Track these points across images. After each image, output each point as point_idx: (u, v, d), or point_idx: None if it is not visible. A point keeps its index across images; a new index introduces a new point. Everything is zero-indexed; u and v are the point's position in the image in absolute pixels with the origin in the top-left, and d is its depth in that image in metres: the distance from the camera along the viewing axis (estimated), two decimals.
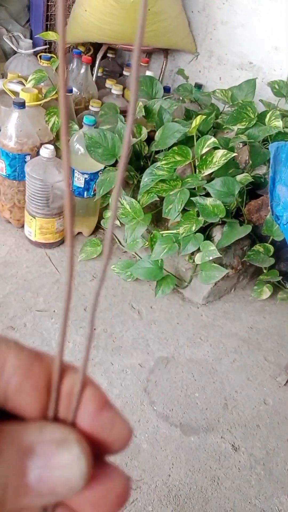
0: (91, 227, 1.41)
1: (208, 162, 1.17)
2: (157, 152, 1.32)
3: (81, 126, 1.39)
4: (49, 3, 1.74)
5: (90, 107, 1.44)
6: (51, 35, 1.33)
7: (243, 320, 1.25)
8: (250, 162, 1.31)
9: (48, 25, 1.78)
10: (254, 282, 1.35)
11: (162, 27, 1.58)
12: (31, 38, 1.77)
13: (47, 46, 1.72)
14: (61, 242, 1.34)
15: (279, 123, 1.21)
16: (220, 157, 1.16)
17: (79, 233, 1.40)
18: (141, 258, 1.32)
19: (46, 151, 1.15)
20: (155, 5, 1.51)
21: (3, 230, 1.34)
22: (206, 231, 1.19)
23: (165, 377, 1.04)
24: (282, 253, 1.33)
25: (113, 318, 1.15)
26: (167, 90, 1.78)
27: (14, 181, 1.26)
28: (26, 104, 1.21)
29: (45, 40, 1.78)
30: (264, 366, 1.13)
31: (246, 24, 1.59)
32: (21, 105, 1.15)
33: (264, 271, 1.28)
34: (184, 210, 1.16)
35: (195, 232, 1.12)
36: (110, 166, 1.24)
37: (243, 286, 1.35)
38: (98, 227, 1.43)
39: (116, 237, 1.40)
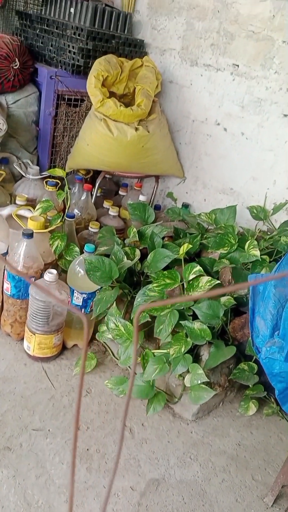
0: None
1: (195, 286, 1.30)
2: None
3: (80, 246, 1.54)
4: (55, 134, 2.00)
5: (89, 228, 1.60)
6: (57, 172, 1.52)
7: (231, 436, 1.29)
8: (233, 282, 1.44)
9: (53, 151, 2.02)
10: (241, 395, 1.42)
11: (154, 159, 1.81)
12: (38, 162, 1.99)
13: None
14: (57, 355, 1.42)
15: (257, 252, 1.36)
16: (205, 282, 1.29)
17: (75, 345, 1.48)
18: None
19: (50, 275, 1.28)
20: (148, 142, 1.74)
21: (3, 344, 1.42)
22: (194, 350, 1.28)
23: (156, 501, 1.07)
24: None
25: (106, 437, 1.19)
26: (157, 208, 1.99)
27: (18, 300, 1.37)
28: (33, 231, 1.35)
29: (50, 165, 2.02)
30: (252, 486, 1.16)
31: (227, 157, 1.83)
32: (30, 235, 1.30)
33: (250, 386, 1.35)
34: (173, 331, 1.26)
35: (185, 353, 1.21)
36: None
37: (231, 400, 1.41)
38: (93, 339, 1.52)
39: (110, 349, 1.49)
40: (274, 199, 1.70)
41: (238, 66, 1.72)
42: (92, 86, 1.70)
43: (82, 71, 1.87)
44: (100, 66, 1.73)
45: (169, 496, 1.08)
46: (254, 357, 1.30)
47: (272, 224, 1.67)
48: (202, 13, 1.81)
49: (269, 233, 1.69)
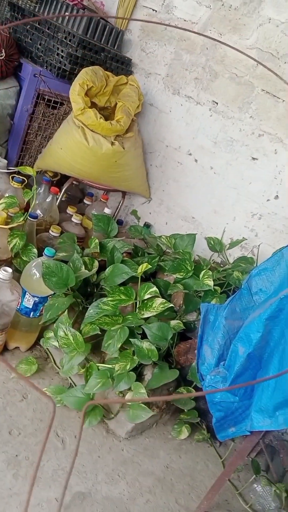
0: (29, 343, 1.46)
1: (148, 306, 1.33)
2: None
3: (38, 248, 1.52)
4: (29, 131, 1.97)
5: (50, 231, 1.58)
6: (28, 170, 1.50)
7: (160, 458, 1.31)
8: (184, 307, 1.49)
9: (24, 148, 1.99)
10: (175, 418, 1.45)
11: (125, 175, 1.83)
12: (6, 156, 1.95)
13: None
14: None
15: (210, 282, 1.42)
16: (159, 304, 1.32)
17: (17, 347, 1.45)
18: (73, 382, 1.38)
19: (5, 273, 1.25)
20: (122, 158, 1.77)
21: None
22: (138, 369, 1.29)
23: None
24: (202, 390, 1.46)
25: (37, 445, 1.17)
26: (120, 223, 2.01)
27: None
28: None
29: (18, 161, 1.99)
30: (175, 509, 1.18)
31: (193, 187, 1.90)
32: None
33: (185, 410, 1.38)
34: (122, 347, 1.27)
35: (129, 371, 1.22)
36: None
37: (165, 422, 1.43)
38: (36, 344, 1.49)
39: (52, 356, 1.46)
40: (231, 234, 1.78)
41: (217, 103, 1.81)
42: (76, 93, 1.71)
43: (67, 76, 1.88)
44: (87, 76, 1.75)
45: None
46: (194, 383, 1.33)
47: (227, 257, 1.75)
48: (191, 46, 1.89)
49: (222, 265, 1.77)
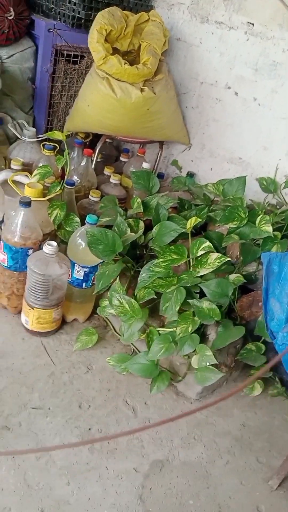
0: (86, 313, 1.43)
1: (203, 262, 1.24)
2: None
3: (80, 215, 1.45)
4: (53, 93, 1.86)
5: (90, 197, 1.51)
6: (57, 135, 1.41)
7: (235, 416, 1.26)
8: (241, 258, 1.38)
9: (51, 112, 1.89)
10: (245, 374, 1.38)
11: (159, 123, 1.69)
12: (34, 124, 1.86)
13: None
14: (56, 330, 1.36)
15: (269, 228, 1.29)
16: (215, 259, 1.22)
17: (75, 319, 1.42)
18: (136, 348, 1.34)
19: (50, 248, 1.19)
20: (154, 105, 1.62)
21: None
22: (200, 329, 1.22)
23: (160, 483, 1.04)
24: (271, 344, 1.37)
25: (108, 416, 1.15)
26: (161, 176, 1.89)
27: (15, 272, 1.29)
28: (31, 199, 1.26)
29: (47, 127, 1.89)
30: (257, 468, 1.14)
31: (237, 124, 1.72)
32: (27, 204, 1.20)
33: (255, 366, 1.31)
34: (180, 309, 1.20)
35: (192, 333, 1.16)
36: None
37: (235, 379, 1.37)
38: (93, 313, 1.46)
39: (111, 324, 1.43)
40: (286, 171, 1.61)
41: (253, 25, 1.59)
42: (95, 41, 1.56)
43: (83, 24, 1.73)
44: (104, 20, 1.58)
45: (173, 478, 1.06)
46: (263, 338, 1.25)
47: (283, 197, 1.59)
48: None
49: (278, 206, 1.62)
